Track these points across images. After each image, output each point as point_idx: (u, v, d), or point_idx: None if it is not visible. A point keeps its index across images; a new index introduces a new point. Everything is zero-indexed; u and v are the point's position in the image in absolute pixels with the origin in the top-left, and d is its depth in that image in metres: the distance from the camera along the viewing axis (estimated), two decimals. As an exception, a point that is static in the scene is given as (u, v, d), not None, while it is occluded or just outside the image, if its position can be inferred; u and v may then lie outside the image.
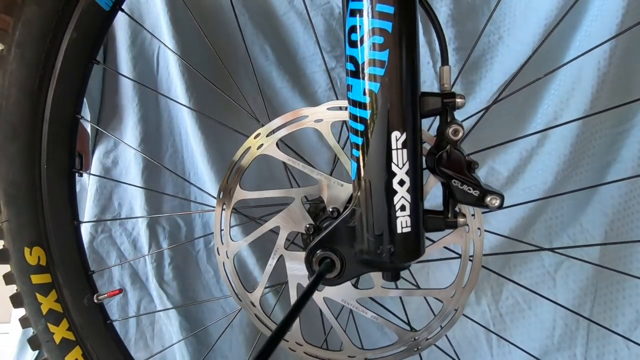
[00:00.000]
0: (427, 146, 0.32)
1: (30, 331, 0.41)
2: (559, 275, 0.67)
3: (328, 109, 0.35)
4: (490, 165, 0.68)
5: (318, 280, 0.24)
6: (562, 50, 0.63)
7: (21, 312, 0.41)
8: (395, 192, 0.28)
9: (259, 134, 0.36)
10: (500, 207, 0.29)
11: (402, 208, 0.28)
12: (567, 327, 0.67)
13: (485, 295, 0.69)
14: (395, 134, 0.27)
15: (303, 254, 0.32)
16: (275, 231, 0.37)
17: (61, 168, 0.38)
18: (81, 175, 0.41)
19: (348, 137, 0.30)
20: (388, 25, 0.26)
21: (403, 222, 0.28)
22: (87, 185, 0.70)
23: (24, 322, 0.41)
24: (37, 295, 0.39)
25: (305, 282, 0.37)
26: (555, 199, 0.65)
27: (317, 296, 0.37)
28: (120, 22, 0.64)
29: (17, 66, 0.33)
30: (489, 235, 0.64)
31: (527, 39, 0.61)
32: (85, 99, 0.62)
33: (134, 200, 0.69)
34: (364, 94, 0.27)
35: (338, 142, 0.36)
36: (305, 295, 0.21)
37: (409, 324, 0.41)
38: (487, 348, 0.70)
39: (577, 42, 0.61)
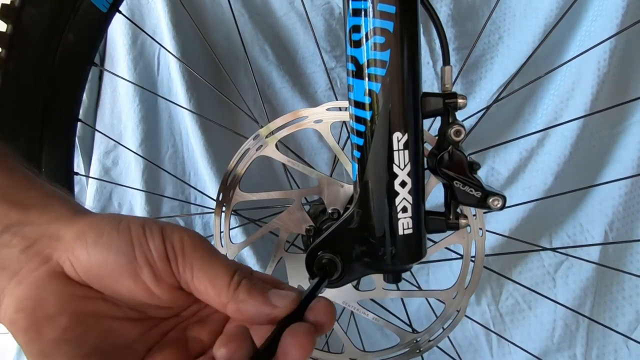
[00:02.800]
0: (428, 147, 0.32)
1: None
2: (559, 276, 0.67)
3: (327, 109, 0.35)
4: (490, 165, 0.68)
5: (318, 285, 0.24)
6: (562, 50, 0.63)
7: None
8: (397, 194, 0.28)
9: (258, 135, 0.36)
10: (502, 208, 0.29)
11: (404, 210, 0.28)
12: (567, 327, 0.67)
13: (485, 295, 0.69)
14: (396, 135, 0.27)
15: (303, 256, 0.31)
16: (275, 233, 0.37)
17: (60, 171, 0.38)
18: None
19: (348, 138, 0.30)
20: (389, 25, 0.26)
21: (404, 224, 0.28)
22: (87, 186, 0.69)
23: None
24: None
25: (306, 284, 0.36)
26: (554, 199, 0.65)
27: (318, 298, 0.36)
28: (121, 24, 0.64)
29: (14, 68, 0.33)
30: (489, 235, 0.64)
31: (527, 39, 0.61)
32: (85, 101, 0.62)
33: (134, 201, 0.69)
34: (365, 94, 0.27)
35: (338, 143, 0.35)
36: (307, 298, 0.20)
37: (410, 325, 0.41)
38: (487, 348, 0.70)
39: (577, 42, 0.61)
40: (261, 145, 0.36)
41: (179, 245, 0.19)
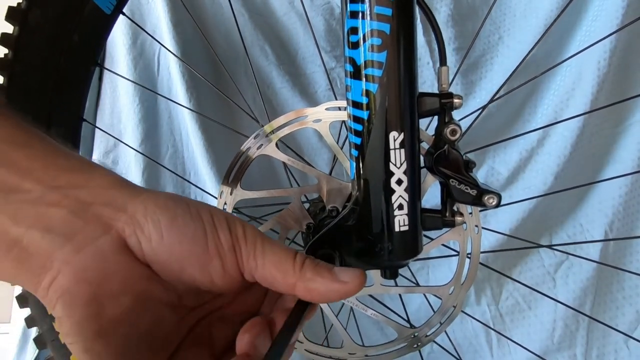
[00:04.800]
0: (425, 146, 0.32)
1: (34, 331, 0.42)
2: (559, 276, 0.67)
3: (327, 109, 0.35)
4: (490, 165, 0.68)
5: None
6: (562, 50, 0.63)
7: (26, 312, 0.42)
8: (393, 191, 0.28)
9: (258, 134, 0.36)
10: (497, 206, 0.30)
11: (400, 207, 0.28)
12: (567, 327, 0.67)
13: (485, 295, 0.69)
14: (393, 134, 0.28)
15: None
16: (275, 230, 0.38)
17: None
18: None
19: (347, 137, 0.31)
20: (386, 27, 0.26)
21: (401, 221, 0.28)
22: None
23: (30, 321, 0.41)
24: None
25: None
26: (554, 199, 0.66)
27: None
28: (121, 24, 0.64)
29: (21, 69, 0.34)
30: (489, 235, 0.64)
31: (527, 39, 0.61)
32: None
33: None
34: (363, 94, 0.28)
35: (337, 142, 0.36)
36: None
37: (408, 320, 0.41)
38: (487, 348, 0.70)
39: (577, 42, 0.61)
40: (262, 144, 0.36)
41: (242, 236, 0.19)
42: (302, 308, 0.20)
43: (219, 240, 0.18)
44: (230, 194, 0.37)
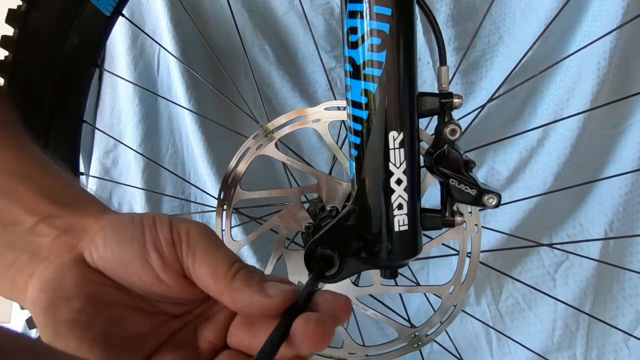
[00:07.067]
0: (425, 145, 0.32)
1: (35, 332, 0.42)
2: (559, 276, 0.67)
3: (326, 109, 0.35)
4: (490, 165, 0.68)
5: (315, 277, 0.24)
6: (562, 50, 0.63)
7: (27, 313, 0.42)
8: (393, 191, 0.28)
9: (257, 135, 0.36)
10: (497, 205, 0.30)
11: (400, 207, 0.28)
12: (567, 327, 0.67)
13: (485, 295, 0.69)
14: (392, 134, 0.28)
15: (303, 252, 0.32)
16: (275, 230, 0.38)
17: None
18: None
19: (346, 137, 0.31)
20: (385, 27, 0.26)
21: (400, 221, 0.28)
22: (87, 185, 0.70)
23: (31, 323, 0.41)
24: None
25: (306, 280, 0.37)
26: (554, 200, 0.66)
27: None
28: (120, 24, 0.64)
29: (21, 71, 0.34)
30: (489, 234, 0.64)
31: (527, 39, 0.61)
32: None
33: (134, 200, 0.70)
34: (362, 94, 0.28)
35: (336, 142, 0.36)
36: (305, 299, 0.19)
37: (408, 320, 0.41)
38: (487, 348, 0.70)
39: (577, 42, 0.61)
40: (261, 144, 0.36)
41: (184, 233, 0.20)
42: (289, 320, 0.18)
43: (157, 236, 0.20)
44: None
